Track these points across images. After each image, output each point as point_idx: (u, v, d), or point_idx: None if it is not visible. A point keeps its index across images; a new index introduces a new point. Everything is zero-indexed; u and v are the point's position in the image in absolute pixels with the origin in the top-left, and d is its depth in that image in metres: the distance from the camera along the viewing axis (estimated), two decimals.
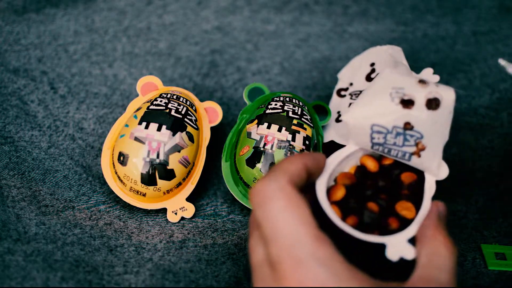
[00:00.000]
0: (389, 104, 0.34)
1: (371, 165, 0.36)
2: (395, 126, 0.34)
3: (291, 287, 0.28)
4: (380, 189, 0.35)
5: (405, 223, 0.34)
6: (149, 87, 0.46)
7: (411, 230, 0.33)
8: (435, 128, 0.34)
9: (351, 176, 0.36)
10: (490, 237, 0.44)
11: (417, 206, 0.35)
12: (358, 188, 0.35)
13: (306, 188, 0.33)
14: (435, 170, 0.36)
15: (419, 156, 0.35)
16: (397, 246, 0.33)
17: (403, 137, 0.35)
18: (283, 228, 0.29)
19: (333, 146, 0.46)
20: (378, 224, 0.34)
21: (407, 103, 0.34)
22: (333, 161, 0.36)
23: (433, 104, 0.34)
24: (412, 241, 0.33)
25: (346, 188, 0.35)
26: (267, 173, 0.31)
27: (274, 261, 0.29)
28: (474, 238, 0.44)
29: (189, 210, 0.44)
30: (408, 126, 0.34)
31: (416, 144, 0.35)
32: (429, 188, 0.35)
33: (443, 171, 0.36)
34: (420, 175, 0.36)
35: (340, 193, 0.35)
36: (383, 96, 0.35)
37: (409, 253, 0.32)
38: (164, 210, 0.45)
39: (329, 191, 0.35)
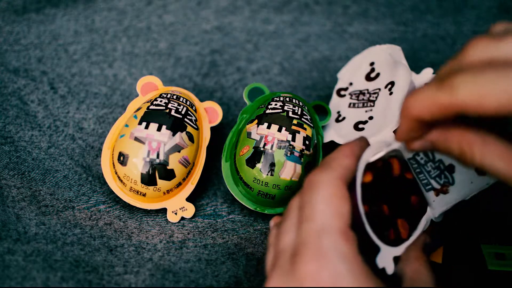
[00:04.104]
0: None
1: (396, 169, 0.37)
2: (441, 161, 0.35)
3: (305, 275, 0.29)
4: (393, 195, 0.37)
5: (398, 239, 0.36)
6: (149, 87, 0.46)
7: (398, 250, 0.35)
8: (468, 186, 0.36)
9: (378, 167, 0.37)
10: (490, 237, 0.44)
11: (411, 227, 0.37)
12: (379, 181, 0.36)
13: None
14: (436, 213, 0.38)
15: (437, 195, 0.36)
16: (385, 257, 0.35)
17: (439, 173, 0.37)
18: (318, 215, 0.30)
19: (333, 146, 0.46)
20: (382, 226, 0.35)
21: None
22: (371, 154, 0.36)
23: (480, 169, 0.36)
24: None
25: (373, 176, 0.36)
26: (322, 164, 0.33)
27: (299, 242, 0.30)
28: (474, 238, 0.44)
29: (189, 210, 0.44)
30: (451, 170, 0.36)
31: (442, 186, 0.36)
32: (425, 221, 0.38)
33: (439, 218, 0.39)
34: (424, 204, 0.38)
35: (367, 178, 0.36)
36: None
37: (390, 268, 0.35)
38: (164, 210, 0.45)
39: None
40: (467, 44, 0.27)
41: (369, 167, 0.35)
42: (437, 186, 0.37)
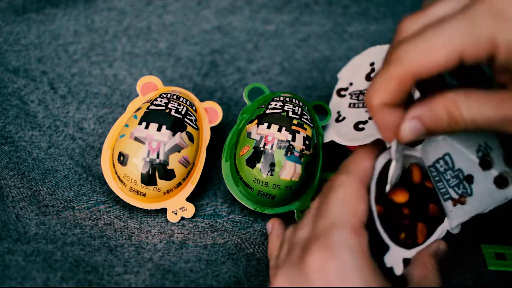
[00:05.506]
0: (471, 156, 0.36)
1: (416, 177, 0.38)
2: (461, 170, 0.36)
3: (312, 266, 0.29)
4: (412, 201, 0.37)
5: (413, 243, 0.37)
6: (149, 87, 0.46)
7: (409, 253, 0.36)
8: (486, 199, 0.36)
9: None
10: (490, 237, 0.44)
11: (428, 234, 0.38)
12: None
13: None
14: (453, 224, 0.38)
15: (454, 205, 0.37)
16: (394, 257, 0.35)
17: (458, 182, 0.37)
18: (333, 212, 0.31)
19: (333, 146, 0.46)
20: (399, 229, 0.36)
21: (486, 165, 0.36)
22: (387, 157, 0.36)
23: (500, 182, 0.36)
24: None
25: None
26: (341, 168, 0.33)
27: (311, 236, 0.31)
28: (474, 238, 0.44)
29: (189, 210, 0.44)
30: (470, 180, 0.36)
31: (460, 195, 0.36)
32: (441, 230, 0.38)
33: (456, 229, 0.39)
34: (442, 214, 0.38)
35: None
36: (472, 148, 0.36)
37: (398, 269, 0.35)
38: (164, 210, 0.45)
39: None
40: (398, 25, 0.28)
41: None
42: (455, 196, 0.37)
